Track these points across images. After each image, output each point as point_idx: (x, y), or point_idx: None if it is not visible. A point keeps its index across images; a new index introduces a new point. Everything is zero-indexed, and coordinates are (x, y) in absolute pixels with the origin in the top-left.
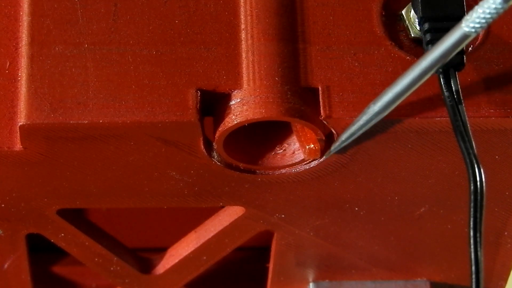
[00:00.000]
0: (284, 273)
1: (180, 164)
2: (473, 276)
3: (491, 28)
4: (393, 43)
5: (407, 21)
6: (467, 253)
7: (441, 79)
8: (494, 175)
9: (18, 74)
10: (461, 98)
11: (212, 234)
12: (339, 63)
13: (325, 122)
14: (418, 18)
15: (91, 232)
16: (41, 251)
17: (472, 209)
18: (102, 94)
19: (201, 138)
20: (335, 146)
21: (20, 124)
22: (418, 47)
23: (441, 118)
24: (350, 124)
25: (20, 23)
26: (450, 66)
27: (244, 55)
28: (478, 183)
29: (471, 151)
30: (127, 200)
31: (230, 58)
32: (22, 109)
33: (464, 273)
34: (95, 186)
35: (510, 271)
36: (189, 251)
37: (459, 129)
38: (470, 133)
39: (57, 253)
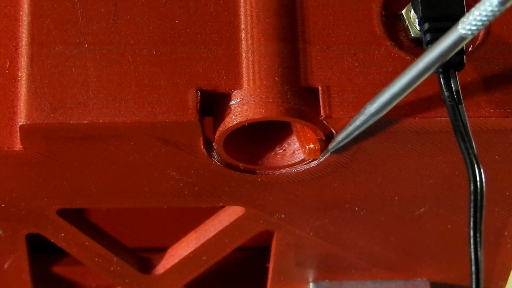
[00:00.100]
0: (284, 273)
1: (180, 164)
2: (473, 276)
3: (491, 28)
4: (393, 43)
5: (407, 21)
6: (467, 253)
7: (441, 79)
8: (494, 175)
9: (18, 74)
10: (461, 98)
11: (212, 234)
12: (339, 63)
13: (325, 122)
14: (418, 18)
15: (91, 232)
16: (41, 251)
17: (472, 209)
18: (102, 94)
19: (201, 138)
20: (332, 146)
21: (20, 124)
22: (418, 47)
23: (441, 118)
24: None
25: (20, 23)
26: (450, 66)
27: (244, 55)
28: (478, 183)
29: (471, 151)
30: (127, 200)
31: (230, 58)
32: (22, 109)
33: (464, 273)
34: (95, 186)
35: (510, 271)
36: (189, 251)
37: (459, 129)
38: (470, 133)
39: (57, 253)
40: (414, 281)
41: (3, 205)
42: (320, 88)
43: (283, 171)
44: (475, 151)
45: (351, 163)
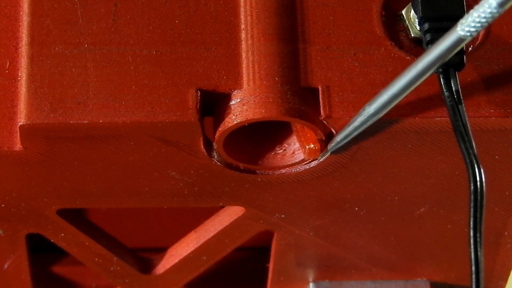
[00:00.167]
0: (284, 273)
1: (180, 164)
2: (473, 276)
3: (491, 28)
4: (393, 43)
5: (407, 21)
6: (467, 253)
7: (441, 79)
8: (494, 175)
9: (18, 74)
10: (461, 98)
11: (212, 234)
12: (339, 63)
13: (325, 122)
14: (418, 18)
15: (91, 232)
16: (41, 251)
17: (472, 209)
18: (102, 94)
19: (201, 138)
20: (331, 146)
21: (20, 124)
22: (418, 47)
23: (441, 118)
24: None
25: (20, 23)
26: (450, 66)
27: (244, 55)
28: (478, 183)
29: (471, 151)
30: (127, 200)
31: (230, 58)
32: (22, 109)
33: (464, 273)
34: (95, 186)
35: (510, 271)
36: (189, 251)
37: (459, 129)
38: (470, 133)
39: (57, 253)
40: (414, 281)
41: (3, 205)
42: (320, 88)
43: (283, 171)
44: (475, 151)
45: (351, 163)
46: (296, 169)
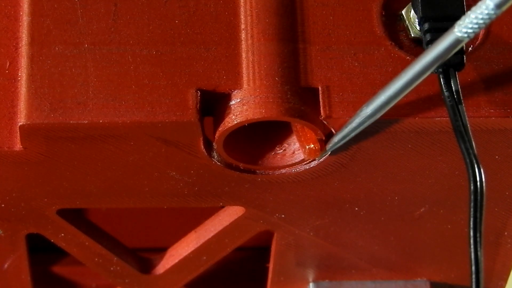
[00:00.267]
0: (284, 273)
1: (180, 164)
2: (473, 276)
3: (491, 28)
4: (393, 43)
5: (407, 21)
6: (467, 253)
7: (441, 79)
8: (494, 175)
9: (18, 74)
10: (461, 98)
11: (212, 234)
12: (339, 63)
13: (325, 122)
14: (418, 18)
15: (91, 232)
16: (41, 251)
17: (472, 209)
18: (102, 94)
19: (201, 138)
20: (329, 147)
21: (20, 124)
22: (418, 47)
23: (441, 118)
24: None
25: (20, 23)
26: (450, 66)
27: (244, 55)
28: (478, 183)
29: (471, 151)
30: (127, 200)
31: (230, 58)
32: (22, 109)
33: (464, 273)
34: (95, 186)
35: (510, 271)
36: (189, 251)
37: (459, 129)
38: (470, 133)
39: (57, 253)
40: (414, 281)
41: (3, 205)
42: (320, 88)
43: (283, 171)
44: (475, 151)
45: (351, 163)
46: (296, 169)
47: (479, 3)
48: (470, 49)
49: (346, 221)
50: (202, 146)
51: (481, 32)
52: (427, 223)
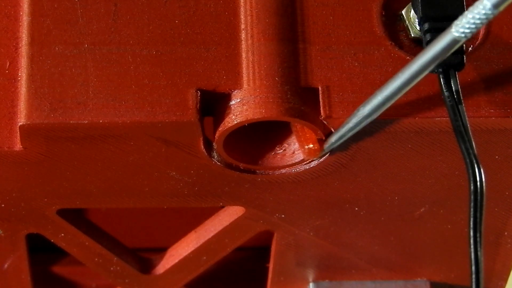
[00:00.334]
0: (284, 273)
1: (180, 164)
2: (473, 276)
3: (491, 28)
4: (393, 43)
5: (407, 21)
6: (467, 253)
7: (441, 79)
8: (494, 175)
9: (18, 74)
10: (461, 98)
11: (212, 234)
12: (339, 63)
13: (325, 122)
14: (418, 18)
15: (91, 232)
16: (41, 251)
17: (472, 209)
18: (102, 94)
19: (201, 138)
20: (326, 147)
21: (20, 124)
22: (418, 47)
23: (441, 118)
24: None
25: (20, 23)
26: (450, 66)
27: (244, 55)
28: (478, 183)
29: (471, 151)
30: (127, 200)
31: (230, 58)
32: (22, 109)
33: (464, 273)
34: (95, 186)
35: (510, 271)
36: (189, 251)
37: (459, 129)
38: (470, 133)
39: (57, 253)
40: (414, 281)
41: (3, 205)
42: (320, 88)
43: (283, 171)
44: (475, 151)
45: (351, 163)
46: (296, 169)
47: (476, 3)
48: (470, 49)
49: (346, 221)
50: (202, 146)
51: (481, 32)
52: (427, 223)
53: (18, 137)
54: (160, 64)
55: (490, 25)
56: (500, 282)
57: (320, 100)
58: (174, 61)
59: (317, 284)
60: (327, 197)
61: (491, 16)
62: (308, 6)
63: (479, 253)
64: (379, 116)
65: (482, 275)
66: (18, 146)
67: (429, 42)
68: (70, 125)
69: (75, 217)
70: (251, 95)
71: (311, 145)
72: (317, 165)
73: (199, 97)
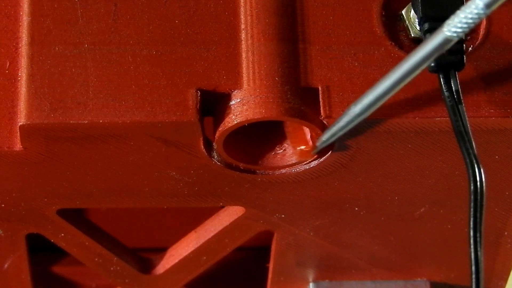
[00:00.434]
0: (284, 273)
1: (180, 164)
2: (473, 276)
3: (491, 28)
4: (393, 43)
5: (407, 21)
6: (467, 253)
7: (441, 79)
8: (494, 175)
9: (18, 74)
10: (461, 98)
11: (212, 234)
12: (339, 63)
13: (325, 122)
14: (418, 18)
15: (91, 232)
16: (41, 251)
17: (472, 209)
18: (102, 94)
19: (201, 138)
20: (318, 146)
21: (20, 124)
22: None
23: (441, 118)
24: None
25: (20, 23)
26: (450, 66)
27: (244, 55)
28: (478, 183)
29: (471, 151)
30: (127, 200)
31: (230, 58)
32: (22, 109)
33: (464, 273)
34: (95, 186)
35: (510, 271)
36: (189, 251)
37: (459, 129)
38: (470, 133)
39: (57, 253)
40: (414, 281)
41: (3, 205)
42: (320, 88)
43: (283, 171)
44: (475, 151)
45: (351, 163)
46: (296, 169)
47: (469, 3)
48: (470, 49)
49: (346, 221)
50: (202, 146)
51: (481, 32)
52: (427, 223)
53: (18, 137)
54: (160, 64)
55: (490, 25)
56: (500, 282)
57: (320, 100)
58: (174, 61)
59: (317, 284)
60: (327, 197)
61: (483, 16)
62: (308, 6)
63: (479, 253)
64: (379, 116)
65: (482, 275)
66: (18, 146)
67: None
68: (70, 125)
69: (75, 217)
70: (251, 95)
71: (303, 147)
72: (317, 165)
73: (199, 97)
